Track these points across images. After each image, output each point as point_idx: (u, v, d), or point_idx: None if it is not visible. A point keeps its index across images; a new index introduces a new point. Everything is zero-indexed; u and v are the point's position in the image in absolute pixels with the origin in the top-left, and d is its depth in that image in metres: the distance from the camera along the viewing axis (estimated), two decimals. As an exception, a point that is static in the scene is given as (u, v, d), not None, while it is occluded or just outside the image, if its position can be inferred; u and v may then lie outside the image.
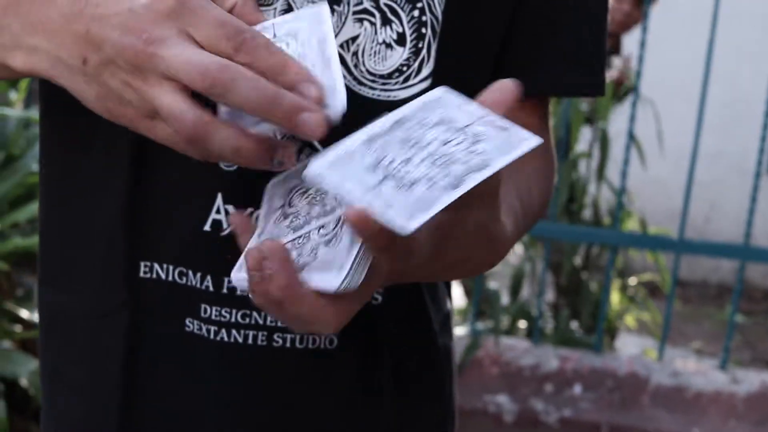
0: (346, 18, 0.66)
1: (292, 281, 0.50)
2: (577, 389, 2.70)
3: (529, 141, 0.49)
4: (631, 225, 3.14)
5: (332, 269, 0.51)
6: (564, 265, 3.02)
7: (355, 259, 0.50)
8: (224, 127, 0.51)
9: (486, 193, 0.53)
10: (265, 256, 0.50)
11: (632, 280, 3.31)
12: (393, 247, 0.49)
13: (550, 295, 3.17)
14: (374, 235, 0.47)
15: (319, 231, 0.54)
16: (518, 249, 3.05)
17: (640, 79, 2.65)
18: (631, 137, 2.64)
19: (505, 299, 3.03)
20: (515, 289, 3.04)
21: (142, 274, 0.68)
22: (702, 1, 3.70)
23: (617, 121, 3.07)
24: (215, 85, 0.50)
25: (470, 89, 0.72)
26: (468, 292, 3.17)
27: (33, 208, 2.32)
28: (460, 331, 2.80)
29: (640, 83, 2.65)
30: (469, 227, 0.55)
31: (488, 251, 0.62)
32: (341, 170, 0.48)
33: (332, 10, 0.65)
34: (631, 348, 3.53)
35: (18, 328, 2.39)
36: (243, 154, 0.52)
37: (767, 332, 5.16)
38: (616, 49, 3.44)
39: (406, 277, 0.58)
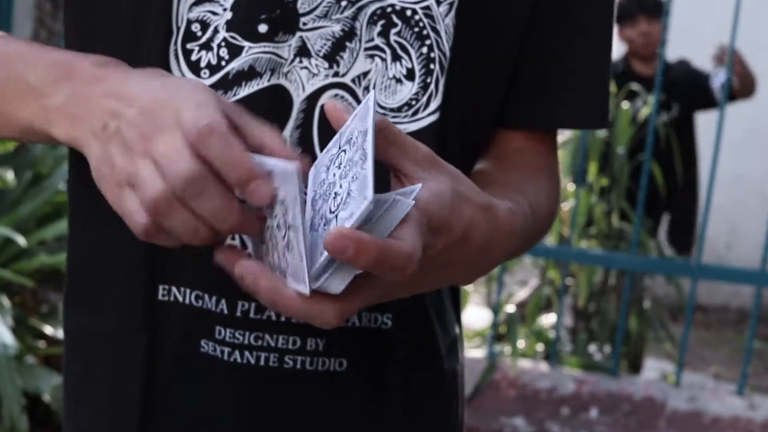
0: (357, 54, 0.69)
1: (273, 285, 0.54)
2: (594, 413, 2.70)
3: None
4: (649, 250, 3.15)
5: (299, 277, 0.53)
6: (582, 289, 3.04)
7: (321, 266, 0.53)
8: (183, 209, 0.55)
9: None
10: (242, 274, 0.55)
11: (650, 305, 3.31)
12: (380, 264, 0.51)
13: (567, 319, 3.18)
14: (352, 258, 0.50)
15: (284, 236, 0.56)
16: (536, 272, 3.07)
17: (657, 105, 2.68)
18: (650, 164, 2.66)
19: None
20: (534, 312, 3.06)
21: (160, 297, 0.71)
22: (720, 26, 3.72)
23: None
24: (184, 190, 0.54)
25: (477, 122, 0.76)
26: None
27: (59, 226, 2.37)
28: (477, 353, 2.82)
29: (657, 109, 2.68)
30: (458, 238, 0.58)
31: (489, 224, 0.61)
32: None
33: (344, 47, 0.69)
34: (649, 372, 3.53)
35: (42, 344, 2.44)
36: (199, 236, 0.56)
37: (788, 358, 5.13)
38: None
39: (417, 285, 0.60)
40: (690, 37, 4.51)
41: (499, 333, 2.94)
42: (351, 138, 0.56)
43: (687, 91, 3.59)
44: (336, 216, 0.53)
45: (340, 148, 0.57)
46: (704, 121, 4.48)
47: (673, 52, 3.31)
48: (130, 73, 0.62)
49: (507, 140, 0.79)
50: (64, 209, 2.58)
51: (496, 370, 2.74)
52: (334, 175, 0.56)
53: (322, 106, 0.69)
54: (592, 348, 3.09)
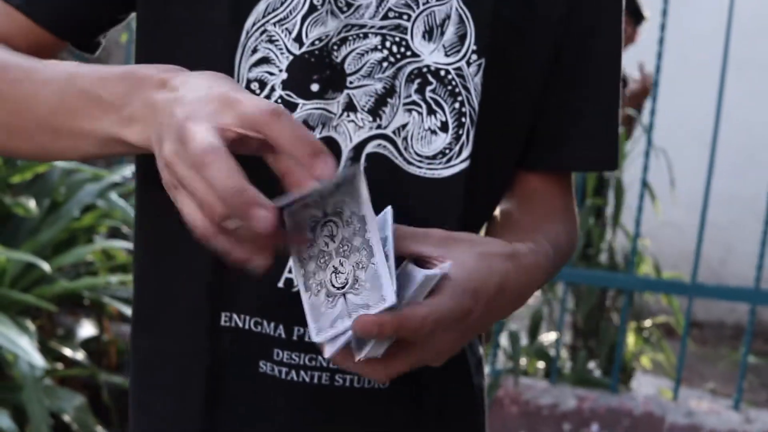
0: (397, 108, 0.78)
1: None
2: (594, 428, 2.78)
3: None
4: (646, 269, 3.24)
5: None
6: (581, 308, 3.12)
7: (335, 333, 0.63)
8: (223, 238, 0.61)
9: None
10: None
11: (647, 322, 3.40)
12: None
13: (567, 337, 3.27)
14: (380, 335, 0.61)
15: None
16: (537, 292, 3.15)
17: (653, 130, 2.77)
18: (644, 185, 2.76)
19: (524, 340, 3.13)
20: (534, 331, 3.14)
21: (222, 323, 0.80)
22: (713, 48, 3.83)
23: (631, 167, 3.19)
24: (198, 163, 0.59)
25: (502, 167, 0.85)
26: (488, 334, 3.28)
27: (77, 253, 2.45)
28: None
29: (653, 133, 2.78)
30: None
31: (517, 270, 0.72)
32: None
33: (386, 102, 0.78)
34: (647, 388, 3.61)
35: (59, 365, 2.52)
36: (232, 252, 0.61)
37: (782, 373, 5.21)
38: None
39: (468, 338, 0.71)
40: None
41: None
42: (339, 212, 0.64)
43: None
44: (343, 295, 0.63)
45: (324, 214, 0.65)
46: (699, 141, 4.59)
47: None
48: (191, 78, 0.67)
49: (527, 181, 0.88)
50: (79, 236, 2.67)
51: (499, 388, 2.82)
52: (327, 245, 0.64)
53: (366, 155, 0.78)
54: (591, 365, 3.18)
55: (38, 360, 1.94)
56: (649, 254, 3.26)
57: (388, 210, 0.66)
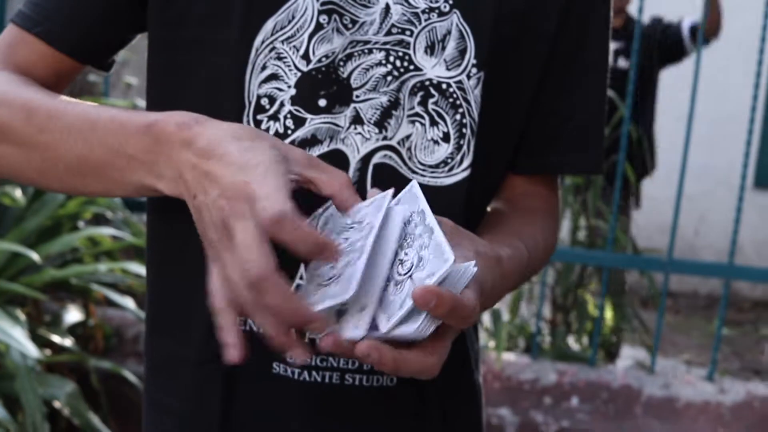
0: (402, 120, 0.82)
1: (395, 355, 0.65)
2: (574, 401, 2.85)
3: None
4: (623, 245, 3.30)
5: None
6: (560, 285, 3.18)
7: (399, 318, 0.65)
8: (260, 308, 0.66)
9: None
10: (367, 353, 0.65)
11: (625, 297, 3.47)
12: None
13: (547, 312, 3.33)
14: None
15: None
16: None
17: (630, 109, 2.82)
18: (623, 166, 2.81)
19: (504, 317, 3.19)
20: (514, 308, 3.20)
21: None
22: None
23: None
24: (251, 286, 0.64)
25: (498, 174, 0.89)
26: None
27: (64, 241, 2.46)
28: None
29: (629, 112, 2.83)
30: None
31: (499, 274, 0.76)
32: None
33: (391, 115, 0.82)
34: (624, 360, 3.69)
35: (48, 351, 2.54)
36: (269, 333, 0.67)
37: (755, 342, 5.34)
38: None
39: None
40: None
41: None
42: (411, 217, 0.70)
43: (657, 44, 3.79)
44: (410, 276, 0.65)
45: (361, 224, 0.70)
46: (674, 114, 4.64)
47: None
48: (213, 138, 0.70)
49: (516, 184, 0.93)
50: (64, 222, 2.68)
51: (482, 364, 2.88)
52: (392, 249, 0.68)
53: (374, 165, 0.82)
54: (570, 340, 3.25)
55: (31, 350, 1.96)
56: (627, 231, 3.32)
57: (414, 183, 0.71)
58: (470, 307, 0.64)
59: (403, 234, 0.69)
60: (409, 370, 0.66)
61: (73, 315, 2.72)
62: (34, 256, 2.22)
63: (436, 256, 0.64)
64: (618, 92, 3.18)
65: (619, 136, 2.88)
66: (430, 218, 0.67)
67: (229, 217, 0.65)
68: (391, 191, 0.70)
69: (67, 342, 2.51)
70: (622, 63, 3.92)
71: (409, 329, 0.64)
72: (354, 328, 0.65)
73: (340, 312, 0.68)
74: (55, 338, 2.48)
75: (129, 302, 2.61)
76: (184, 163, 0.70)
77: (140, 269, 2.50)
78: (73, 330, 2.72)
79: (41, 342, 2.49)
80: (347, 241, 0.69)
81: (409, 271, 0.66)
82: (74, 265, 2.53)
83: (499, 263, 0.75)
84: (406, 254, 0.67)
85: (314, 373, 0.83)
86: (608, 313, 3.28)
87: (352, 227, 0.70)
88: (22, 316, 2.19)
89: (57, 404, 2.29)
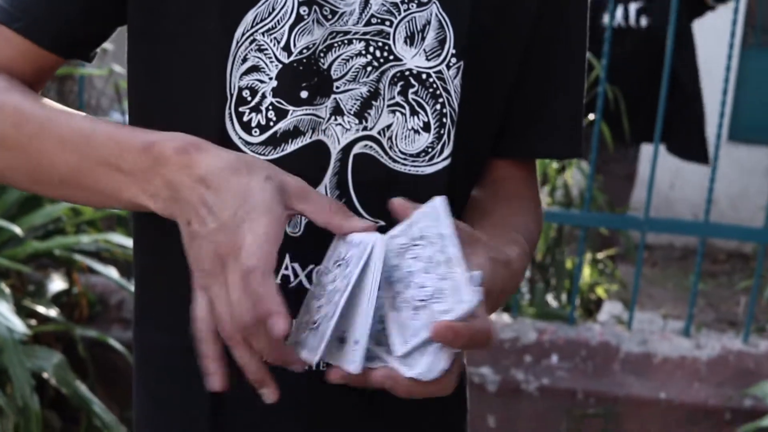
0: (382, 110, 0.84)
1: (410, 384, 0.70)
2: (554, 359, 2.90)
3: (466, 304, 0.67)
4: (600, 203, 3.34)
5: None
6: (539, 243, 3.22)
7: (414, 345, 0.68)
8: (244, 348, 0.71)
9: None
10: (382, 383, 0.70)
11: (601, 254, 3.52)
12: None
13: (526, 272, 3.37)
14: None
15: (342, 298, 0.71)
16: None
17: (605, 70, 2.84)
18: (600, 124, 2.84)
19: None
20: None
21: None
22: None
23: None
24: (241, 331, 0.70)
25: (479, 162, 0.91)
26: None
27: (46, 213, 2.47)
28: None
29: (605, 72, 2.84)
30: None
31: (508, 276, 0.80)
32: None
33: (371, 105, 0.83)
34: (601, 315, 3.74)
35: (33, 322, 2.55)
36: (248, 371, 0.72)
37: (730, 294, 5.42)
38: None
39: None
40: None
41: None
42: (424, 235, 0.70)
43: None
44: (427, 306, 0.68)
45: (411, 240, 0.71)
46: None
47: None
48: (212, 167, 0.73)
49: (496, 168, 0.95)
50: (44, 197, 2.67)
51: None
52: (411, 266, 0.70)
53: (354, 155, 0.84)
54: (549, 297, 3.29)
55: (18, 325, 1.98)
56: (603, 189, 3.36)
57: (439, 201, 0.72)
58: (486, 331, 0.68)
59: (415, 251, 0.71)
60: (423, 393, 0.70)
61: (56, 284, 2.73)
62: (17, 230, 2.23)
63: (454, 294, 0.67)
64: (641, 52, 3.16)
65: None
66: (453, 249, 0.69)
67: (226, 254, 0.69)
68: (441, 198, 0.72)
69: (52, 312, 2.53)
70: (644, 22, 3.85)
71: (424, 363, 0.68)
72: (351, 362, 0.68)
73: (341, 339, 0.71)
74: (40, 309, 2.50)
75: (112, 271, 2.63)
76: (182, 186, 0.73)
77: (122, 239, 2.51)
78: (57, 298, 2.74)
79: (26, 312, 2.50)
80: (418, 258, 0.71)
81: (429, 299, 0.68)
82: (57, 236, 2.54)
83: (508, 266, 0.78)
84: (426, 280, 0.69)
85: None
86: (585, 271, 3.33)
87: (415, 245, 0.72)
88: (7, 290, 2.20)
89: (45, 375, 2.31)
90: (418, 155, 0.85)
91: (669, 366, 2.85)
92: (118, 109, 3.84)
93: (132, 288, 2.53)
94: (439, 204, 0.71)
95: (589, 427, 2.82)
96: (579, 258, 2.94)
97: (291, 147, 0.82)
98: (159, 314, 0.90)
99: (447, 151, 0.85)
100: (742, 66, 6.50)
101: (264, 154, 0.81)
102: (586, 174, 3.01)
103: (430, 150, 0.85)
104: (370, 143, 0.84)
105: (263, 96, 0.82)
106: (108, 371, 2.68)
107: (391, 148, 0.84)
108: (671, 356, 2.85)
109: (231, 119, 0.82)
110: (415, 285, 0.69)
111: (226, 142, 0.81)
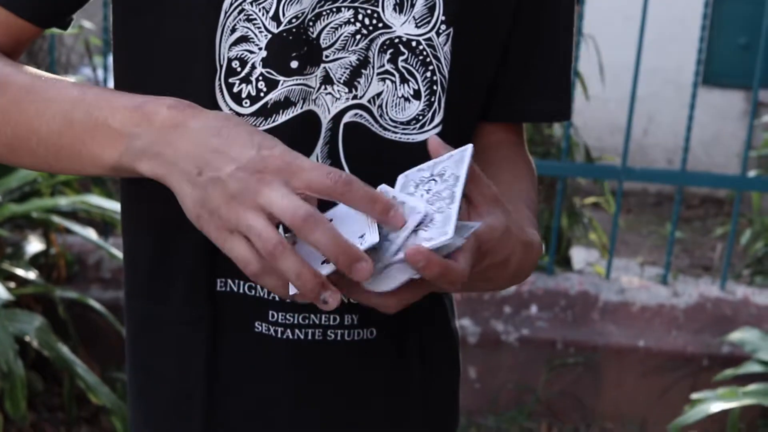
0: (372, 78, 0.83)
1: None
2: (533, 309, 2.93)
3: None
4: (577, 153, 3.35)
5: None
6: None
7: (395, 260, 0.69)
8: (294, 255, 0.65)
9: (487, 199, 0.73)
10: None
11: (579, 203, 3.53)
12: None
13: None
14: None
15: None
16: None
17: (583, 19, 2.83)
18: (576, 75, 2.83)
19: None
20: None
21: (218, 288, 0.85)
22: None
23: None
24: (301, 227, 0.64)
25: (471, 128, 0.91)
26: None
27: (21, 175, 2.44)
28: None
29: (583, 22, 2.83)
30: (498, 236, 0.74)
31: (525, 254, 0.78)
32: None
33: (360, 73, 0.82)
34: (578, 263, 3.77)
35: (12, 284, 2.54)
36: (302, 281, 0.65)
37: (704, 239, 5.48)
38: None
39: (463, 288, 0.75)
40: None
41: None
42: (444, 174, 0.71)
43: None
44: (416, 232, 0.69)
45: (432, 175, 0.72)
46: (620, 14, 4.64)
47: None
48: (205, 120, 0.71)
49: (487, 133, 0.94)
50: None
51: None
52: (422, 196, 0.71)
53: (345, 124, 0.83)
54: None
55: (1, 290, 1.96)
56: (580, 139, 3.36)
57: (469, 148, 0.72)
58: (458, 272, 0.67)
59: (429, 185, 0.72)
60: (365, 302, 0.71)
61: (34, 246, 2.71)
62: (-6, 193, 2.20)
63: (442, 225, 0.68)
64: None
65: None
66: (459, 188, 0.70)
67: (254, 187, 0.66)
68: (471, 146, 0.72)
69: (31, 275, 2.51)
70: None
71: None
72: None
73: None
74: (19, 271, 2.48)
75: (90, 232, 2.61)
76: (178, 140, 0.70)
77: (99, 200, 2.48)
78: (35, 260, 2.72)
79: (4, 275, 2.49)
80: (430, 192, 0.71)
81: (419, 224, 0.69)
82: (33, 198, 2.51)
83: (529, 247, 0.78)
84: (425, 210, 0.70)
85: (297, 330, 0.85)
86: (563, 220, 3.34)
87: (432, 179, 0.72)
88: (-14, 255, 2.18)
89: (26, 338, 2.31)
90: (408, 123, 0.84)
91: (647, 314, 2.88)
92: (88, 64, 3.78)
93: (110, 248, 2.52)
94: (467, 150, 0.72)
95: (568, 376, 2.86)
96: (557, 208, 2.96)
97: (282, 117, 0.81)
98: (153, 286, 0.89)
99: (438, 119, 0.85)
100: (716, 10, 6.49)
101: (255, 126, 0.80)
102: (563, 125, 3.00)
103: (420, 118, 0.84)
104: (360, 112, 0.83)
105: (253, 66, 0.81)
106: (88, 331, 2.67)
107: (381, 116, 0.83)
108: (649, 304, 2.88)
109: (221, 90, 0.81)
110: (415, 211, 0.70)
111: None
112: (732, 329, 2.75)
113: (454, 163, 0.72)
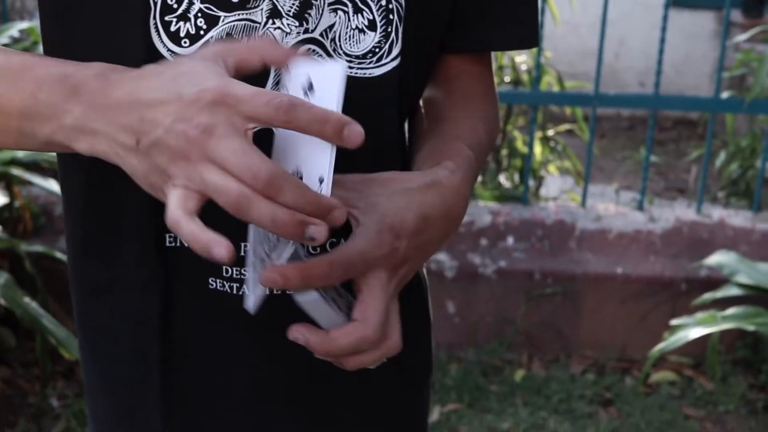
0: (323, 10, 0.76)
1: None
2: (510, 241, 2.90)
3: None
4: (549, 80, 3.29)
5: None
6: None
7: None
8: (262, 200, 0.59)
9: None
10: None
11: (552, 132, 3.49)
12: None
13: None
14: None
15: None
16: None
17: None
18: (545, 1, 2.76)
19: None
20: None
21: (168, 244, 0.80)
22: None
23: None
24: (264, 189, 0.59)
25: (431, 61, 0.85)
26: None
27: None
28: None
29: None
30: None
31: (443, 210, 0.73)
32: None
33: (311, 5, 0.76)
34: (553, 191, 3.74)
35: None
36: (279, 225, 0.60)
37: (678, 162, 5.46)
38: None
39: (412, 269, 0.73)
40: None
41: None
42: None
43: None
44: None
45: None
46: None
47: None
48: (131, 82, 0.64)
49: (450, 65, 0.88)
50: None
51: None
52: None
53: None
54: (502, 178, 3.27)
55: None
56: (551, 66, 3.30)
57: (339, 69, 0.64)
58: (324, 267, 0.65)
59: None
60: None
61: (-3, 199, 2.64)
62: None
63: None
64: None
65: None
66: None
67: (198, 136, 0.60)
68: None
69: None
70: None
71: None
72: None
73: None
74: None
75: (52, 183, 2.54)
76: (109, 108, 0.64)
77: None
78: (0, 214, 2.65)
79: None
80: None
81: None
82: (-9, 151, 2.43)
83: (435, 185, 0.72)
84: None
85: None
86: (537, 149, 3.30)
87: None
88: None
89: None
90: (364, 56, 0.78)
91: (624, 240, 2.86)
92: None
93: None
94: (339, 74, 0.64)
95: (547, 307, 2.84)
96: (530, 137, 2.91)
97: None
98: (99, 248, 0.84)
99: (395, 51, 0.79)
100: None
101: None
102: (533, 52, 2.94)
103: (377, 50, 0.78)
104: (312, 47, 0.77)
105: (190, 2, 0.74)
106: (57, 284, 2.61)
107: (335, 50, 0.77)
108: (626, 231, 2.86)
109: (157, 30, 0.75)
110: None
111: (154, 56, 0.74)
112: (709, 252, 2.74)
113: (328, 89, 0.64)
